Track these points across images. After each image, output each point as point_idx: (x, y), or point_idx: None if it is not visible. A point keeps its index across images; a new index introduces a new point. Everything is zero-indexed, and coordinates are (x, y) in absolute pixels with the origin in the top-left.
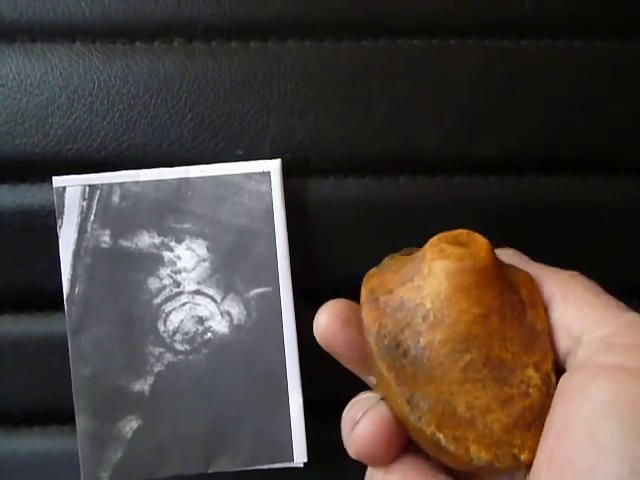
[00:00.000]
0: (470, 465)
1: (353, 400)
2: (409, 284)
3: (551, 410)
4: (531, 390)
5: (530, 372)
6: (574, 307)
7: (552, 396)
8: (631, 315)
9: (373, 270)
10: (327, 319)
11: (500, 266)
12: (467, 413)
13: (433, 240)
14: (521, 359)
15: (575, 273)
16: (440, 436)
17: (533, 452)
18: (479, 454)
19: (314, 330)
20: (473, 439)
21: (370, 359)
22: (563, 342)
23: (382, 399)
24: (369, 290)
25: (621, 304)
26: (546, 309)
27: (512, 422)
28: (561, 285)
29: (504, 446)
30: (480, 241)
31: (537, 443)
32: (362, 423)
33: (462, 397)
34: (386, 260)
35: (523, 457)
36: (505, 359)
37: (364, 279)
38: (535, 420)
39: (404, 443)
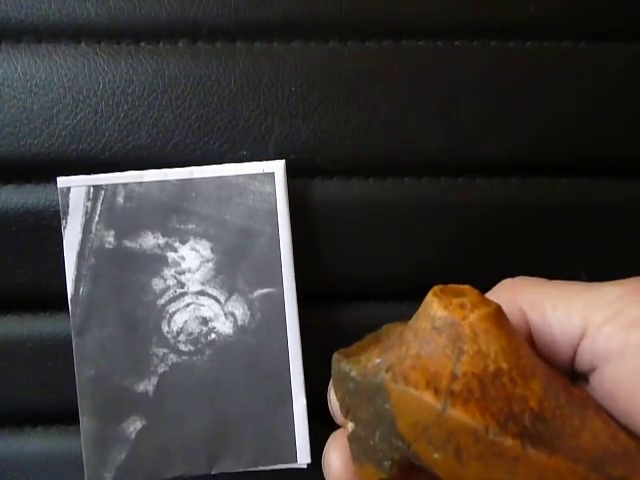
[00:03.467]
0: None
1: None
2: (464, 357)
3: (617, 411)
4: (592, 402)
5: (574, 390)
6: (551, 309)
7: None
8: (605, 288)
9: (387, 377)
10: (340, 459)
11: None
12: (619, 448)
13: (439, 304)
14: (564, 380)
15: (510, 280)
16: None
17: None
18: None
19: (325, 473)
20: None
21: (497, 462)
22: (561, 347)
23: None
24: (430, 392)
25: (575, 282)
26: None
27: (629, 434)
28: (519, 298)
29: None
30: (463, 287)
31: None
32: None
33: (601, 434)
34: (345, 365)
35: None
36: (565, 384)
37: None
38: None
39: None
